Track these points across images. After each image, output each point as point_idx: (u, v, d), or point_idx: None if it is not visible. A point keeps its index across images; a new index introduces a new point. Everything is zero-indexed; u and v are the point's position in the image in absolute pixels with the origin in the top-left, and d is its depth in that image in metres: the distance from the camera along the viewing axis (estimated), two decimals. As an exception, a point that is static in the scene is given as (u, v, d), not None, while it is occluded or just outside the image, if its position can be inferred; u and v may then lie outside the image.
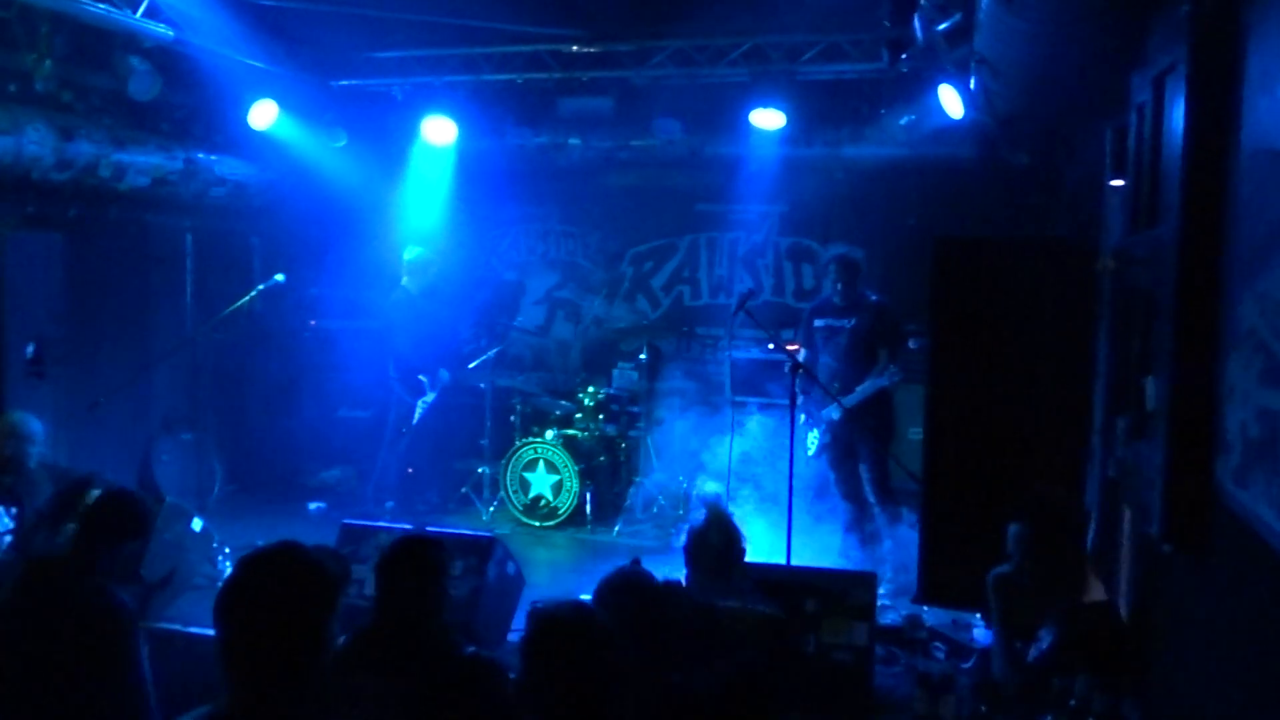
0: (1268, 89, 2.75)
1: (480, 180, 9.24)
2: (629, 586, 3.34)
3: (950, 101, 6.72)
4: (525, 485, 8.35)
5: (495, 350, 8.58)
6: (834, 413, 6.85)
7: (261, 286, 7.36)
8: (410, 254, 8.41)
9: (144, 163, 7.40)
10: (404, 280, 8.40)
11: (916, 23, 5.72)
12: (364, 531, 5.50)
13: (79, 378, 7.36)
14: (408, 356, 8.33)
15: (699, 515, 4.24)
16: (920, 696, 4.11)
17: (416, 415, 8.37)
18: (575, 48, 7.44)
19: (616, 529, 8.14)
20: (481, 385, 8.57)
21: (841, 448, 6.94)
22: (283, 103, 7.81)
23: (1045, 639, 3.87)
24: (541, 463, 8.31)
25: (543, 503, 8.30)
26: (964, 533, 5.13)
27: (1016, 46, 4.48)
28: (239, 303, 7.28)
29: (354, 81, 8.12)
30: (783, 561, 5.65)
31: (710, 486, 7.57)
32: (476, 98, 8.15)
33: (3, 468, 5.42)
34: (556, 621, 2.75)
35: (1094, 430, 5.57)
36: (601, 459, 8.64)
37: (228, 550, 5.91)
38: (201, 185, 8.08)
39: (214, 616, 2.25)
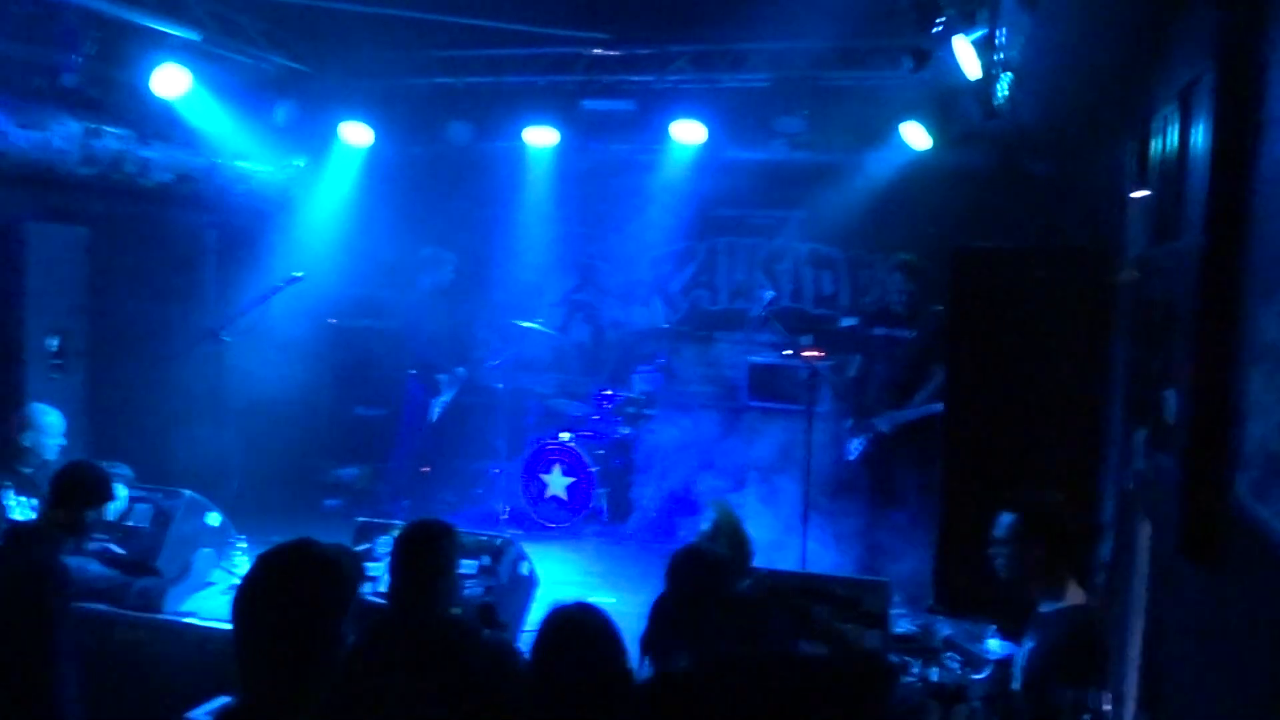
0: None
1: (496, 181, 9.26)
2: (699, 559, 3.51)
3: (971, 109, 6.66)
4: (541, 486, 8.37)
5: (512, 351, 8.65)
6: (884, 425, 6.84)
7: (281, 283, 7.39)
8: (429, 252, 8.45)
9: (168, 159, 7.45)
10: (423, 279, 8.43)
11: (939, 30, 5.70)
12: (379, 529, 5.56)
13: (103, 372, 7.39)
14: (425, 355, 8.37)
15: (706, 520, 4.25)
16: (933, 707, 4.08)
17: (433, 414, 8.41)
18: (597, 50, 7.45)
19: (631, 530, 8.17)
20: (498, 385, 8.60)
21: (881, 461, 6.93)
22: (303, 102, 7.84)
23: (1026, 645, 3.85)
24: (557, 464, 8.33)
25: (558, 503, 8.31)
26: (979, 542, 5.07)
27: (1041, 55, 4.46)
28: (259, 299, 7.32)
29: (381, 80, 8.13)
30: (796, 568, 5.72)
31: (720, 491, 7.56)
32: (496, 99, 8.16)
33: (23, 459, 5.48)
34: (568, 621, 2.81)
35: (1111, 442, 5.55)
36: (617, 461, 8.66)
37: (244, 545, 5.93)
38: (224, 183, 8.13)
39: (231, 612, 2.28)
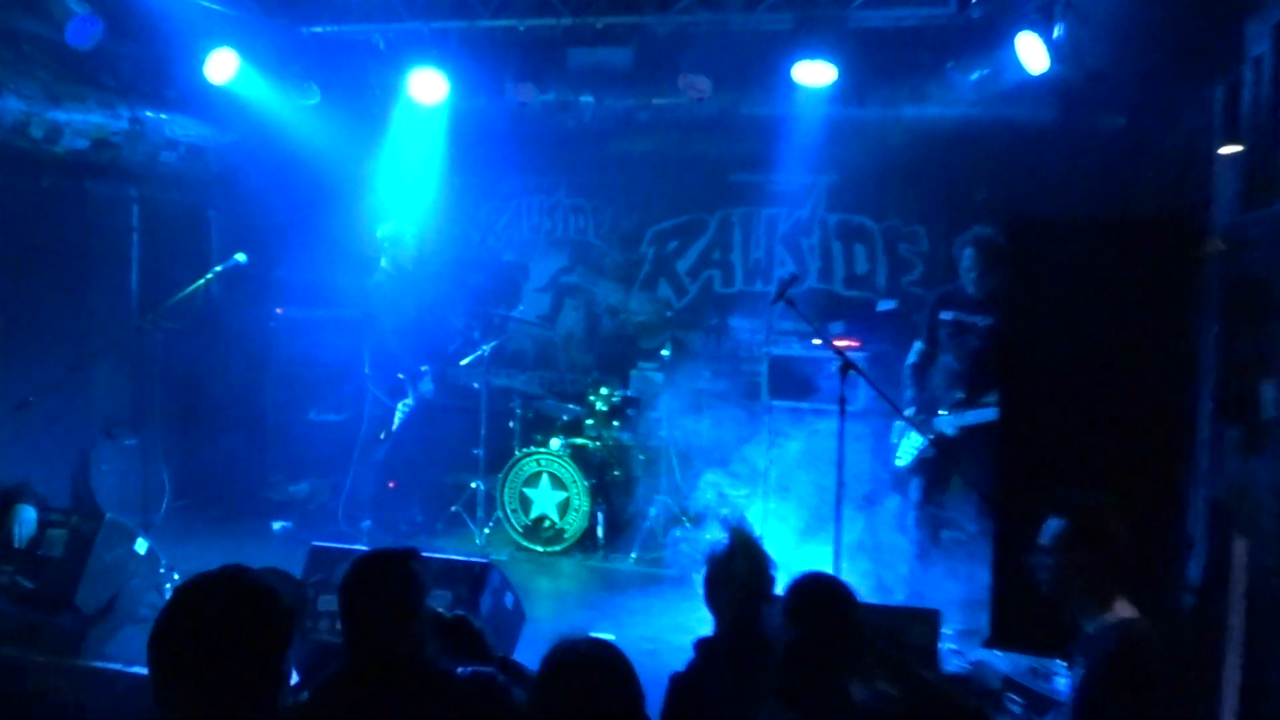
0: None
1: (475, 145, 9.23)
2: (835, 592, 3.51)
3: (1030, 53, 6.69)
4: (526, 503, 8.36)
5: (492, 345, 8.59)
6: (947, 427, 6.83)
7: (219, 268, 7.38)
8: (386, 230, 8.46)
9: (83, 122, 7.43)
10: (383, 262, 8.45)
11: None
12: (337, 555, 5.50)
13: (6, 373, 7.38)
14: (387, 351, 8.38)
15: (720, 539, 4.18)
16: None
17: (397, 420, 8.40)
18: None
19: (633, 555, 8.17)
20: (475, 386, 8.56)
21: (940, 469, 6.93)
22: (245, 52, 7.80)
23: (1075, 672, 3.89)
24: (545, 477, 8.32)
25: (547, 524, 8.31)
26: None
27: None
28: (193, 287, 7.28)
29: (329, 28, 8.08)
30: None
31: (736, 504, 7.62)
32: (472, 47, 8.12)
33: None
34: (579, 659, 2.80)
35: (1199, 444, 5.55)
36: (616, 473, 8.66)
37: (176, 576, 5.91)
38: (150, 148, 8.12)
39: (148, 653, 2.28)
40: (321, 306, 9.28)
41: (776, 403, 8.20)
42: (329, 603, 5.00)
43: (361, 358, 8.46)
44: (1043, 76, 6.82)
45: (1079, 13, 5.10)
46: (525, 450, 8.44)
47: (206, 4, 7.26)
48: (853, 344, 7.50)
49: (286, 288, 9.31)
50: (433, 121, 8.83)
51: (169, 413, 7.95)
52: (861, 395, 7.25)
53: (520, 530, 8.37)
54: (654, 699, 3.30)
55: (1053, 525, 3.93)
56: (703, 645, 3.84)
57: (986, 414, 6.58)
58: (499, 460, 8.50)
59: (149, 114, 7.95)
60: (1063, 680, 5.21)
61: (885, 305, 8.73)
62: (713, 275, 9.81)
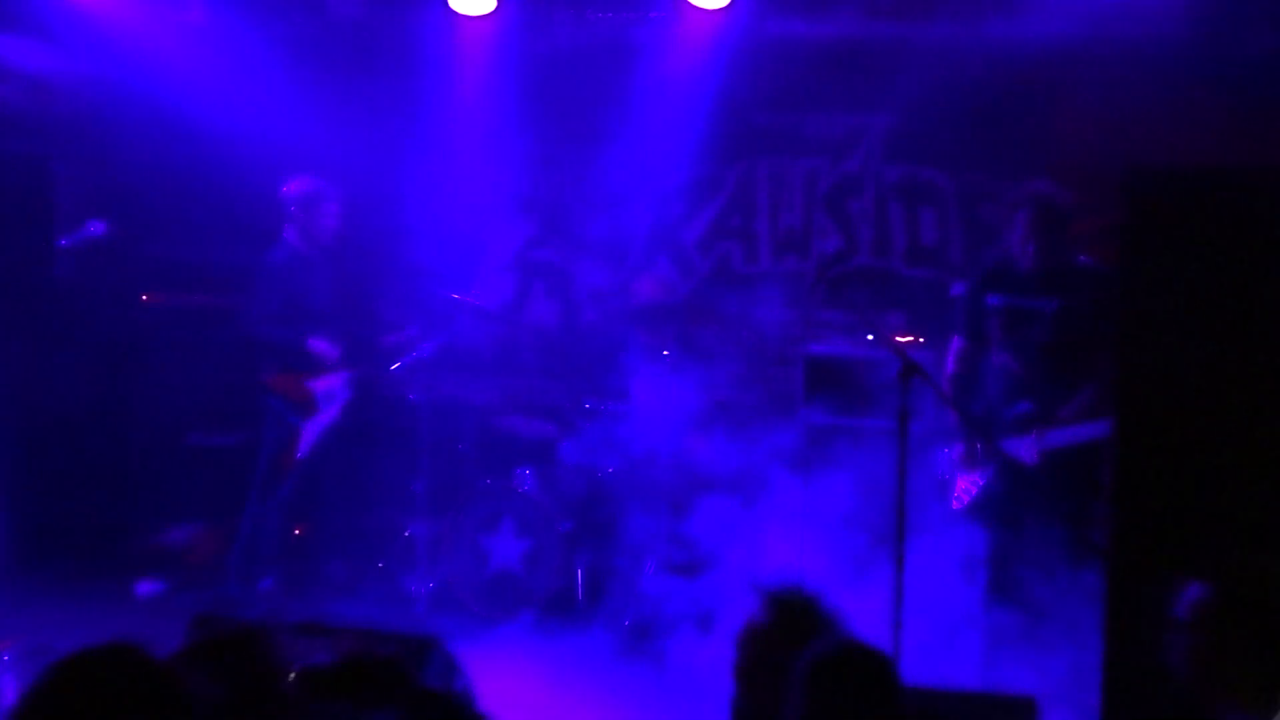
0: None
1: (413, 75, 9.21)
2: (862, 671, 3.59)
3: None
4: (481, 554, 8.34)
5: (435, 342, 8.60)
6: (1026, 452, 6.85)
7: (67, 242, 7.60)
8: (295, 190, 8.45)
9: None
10: (289, 229, 8.45)
11: None
12: (227, 629, 5.42)
13: None
14: (291, 351, 8.38)
15: (754, 605, 4.23)
16: None
17: (307, 444, 8.43)
18: None
19: (625, 622, 8.10)
20: (412, 397, 8.58)
21: (1013, 510, 6.93)
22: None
23: None
24: (507, 518, 8.31)
25: (509, 581, 8.30)
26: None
27: None
28: (34, 265, 7.32)
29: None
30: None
31: (765, 561, 7.49)
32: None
33: None
34: None
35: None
36: (601, 512, 8.56)
37: (5, 658, 5.86)
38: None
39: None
40: (206, 293, 9.27)
41: (815, 417, 8.20)
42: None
43: (260, 360, 8.45)
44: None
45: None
46: (481, 483, 8.50)
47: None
48: (917, 340, 7.62)
49: (159, 268, 9.25)
50: (354, 42, 8.93)
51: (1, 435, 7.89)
52: (930, 408, 7.32)
53: (473, 590, 8.35)
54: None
55: (1192, 591, 3.83)
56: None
57: (1083, 431, 6.63)
58: (445, 497, 8.52)
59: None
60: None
61: (961, 289, 8.45)
62: (731, 249, 9.80)
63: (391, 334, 9.11)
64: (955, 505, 7.10)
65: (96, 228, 7.37)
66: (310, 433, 8.45)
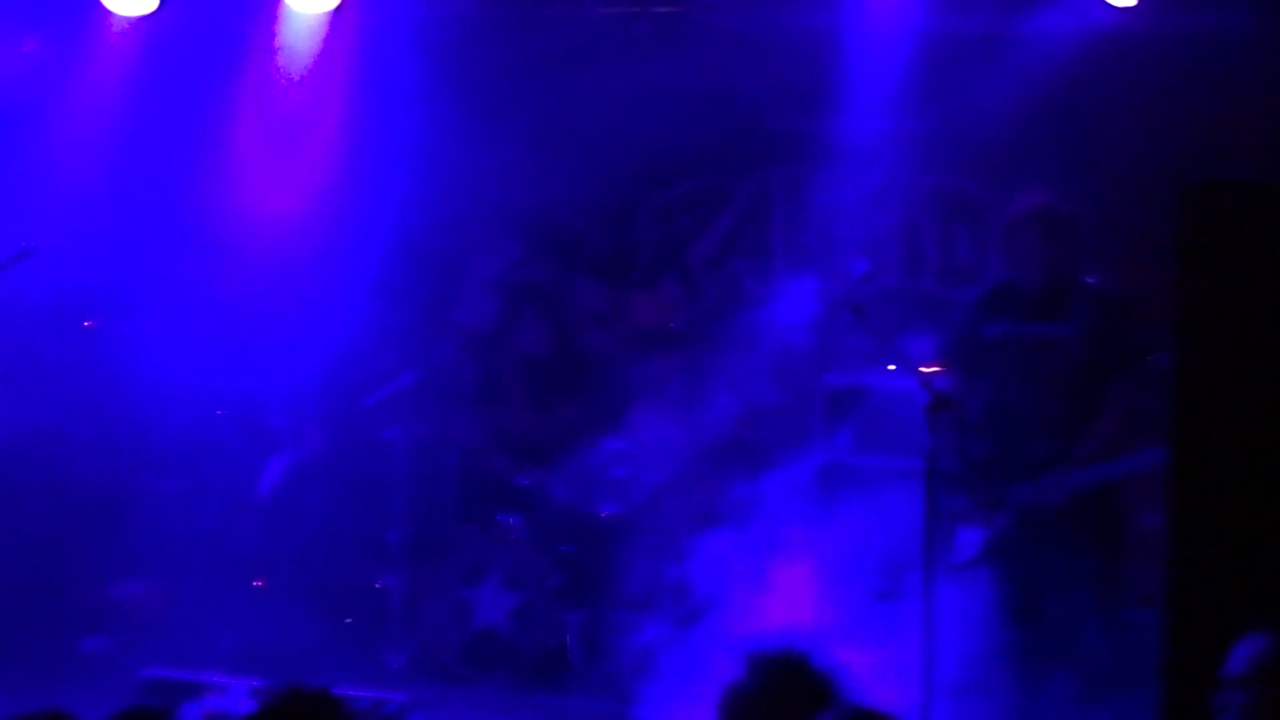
0: None
1: (386, 63, 9.18)
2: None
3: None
4: (465, 610, 8.40)
5: (414, 375, 8.69)
6: (1039, 497, 6.78)
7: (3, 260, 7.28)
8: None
9: None
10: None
11: None
12: (182, 690, 5.86)
13: None
14: (252, 383, 8.64)
15: (739, 667, 3.95)
16: None
17: (268, 485, 8.66)
18: None
19: (619, 683, 7.94)
20: (388, 436, 8.70)
21: (1023, 566, 6.89)
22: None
23: None
24: (492, 570, 8.38)
25: (494, 640, 8.36)
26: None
27: None
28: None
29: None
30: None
31: (769, 620, 7.32)
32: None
33: None
34: None
35: None
36: (598, 563, 8.61)
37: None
38: None
39: None
40: (159, 315, 9.24)
41: (835, 455, 8.38)
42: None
43: (213, 392, 8.75)
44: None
45: None
46: (464, 530, 8.75)
47: None
48: (948, 369, 7.49)
49: (102, 288, 9.16)
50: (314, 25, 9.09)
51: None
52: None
53: (456, 651, 8.42)
54: None
55: (1251, 645, 3.92)
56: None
57: (1119, 467, 6.74)
58: (424, 547, 8.67)
59: None
60: None
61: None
62: (742, 267, 9.84)
63: (361, 366, 9.19)
64: (957, 560, 7.04)
65: (28, 246, 7.26)
66: (271, 474, 8.70)
